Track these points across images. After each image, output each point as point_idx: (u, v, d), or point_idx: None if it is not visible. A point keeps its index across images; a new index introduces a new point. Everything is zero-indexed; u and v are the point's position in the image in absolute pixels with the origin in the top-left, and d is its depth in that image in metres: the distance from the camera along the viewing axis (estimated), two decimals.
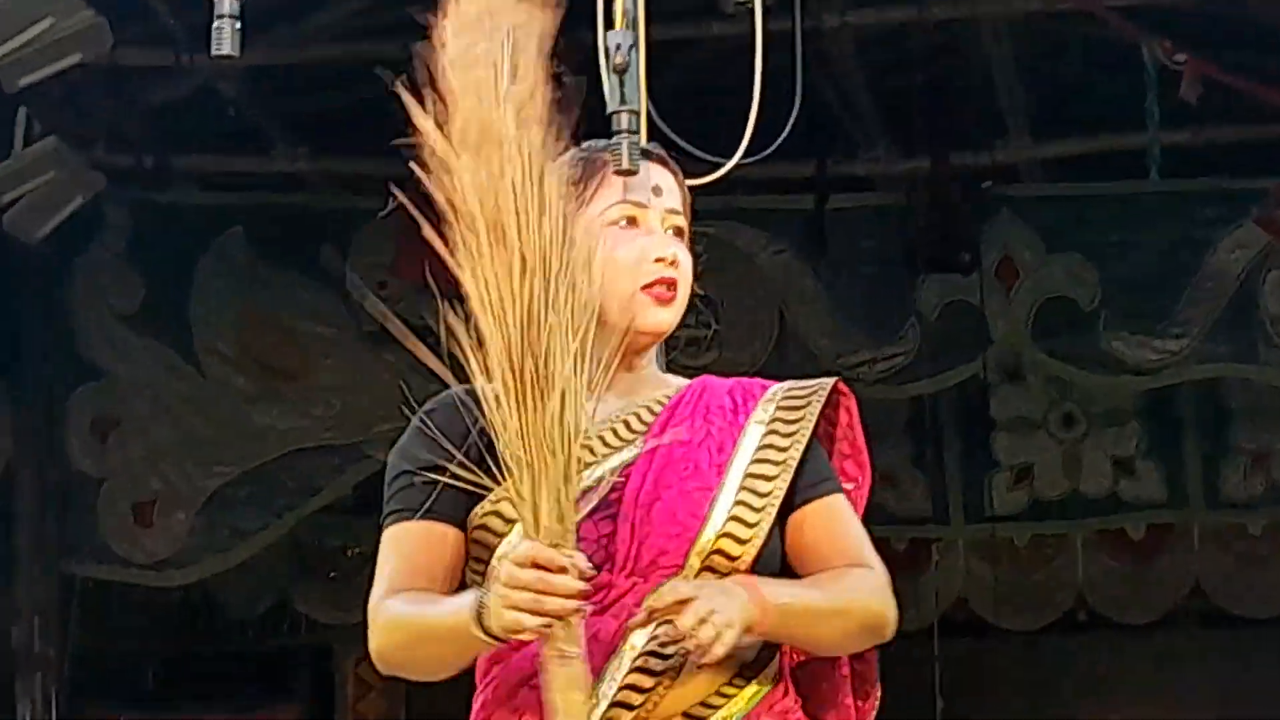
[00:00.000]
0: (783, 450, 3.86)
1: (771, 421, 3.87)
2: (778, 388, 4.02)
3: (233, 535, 13.46)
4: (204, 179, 13.68)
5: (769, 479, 3.80)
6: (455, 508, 3.83)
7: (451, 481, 3.74)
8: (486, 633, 3.50)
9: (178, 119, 12.52)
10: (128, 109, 12.28)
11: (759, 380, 4.09)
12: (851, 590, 3.84)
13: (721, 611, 3.46)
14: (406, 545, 3.92)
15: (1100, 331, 12.98)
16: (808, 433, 3.88)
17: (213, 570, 13.46)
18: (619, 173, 3.97)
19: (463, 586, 3.85)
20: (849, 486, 3.94)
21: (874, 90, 12.23)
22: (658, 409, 3.83)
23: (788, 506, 3.89)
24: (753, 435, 3.85)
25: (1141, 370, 13.24)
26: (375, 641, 3.95)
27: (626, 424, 3.82)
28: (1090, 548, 14.63)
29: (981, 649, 15.17)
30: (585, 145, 4.10)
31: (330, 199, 13.50)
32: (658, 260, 3.79)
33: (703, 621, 3.44)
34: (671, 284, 3.81)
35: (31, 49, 10.48)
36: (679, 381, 4.02)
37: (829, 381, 4.01)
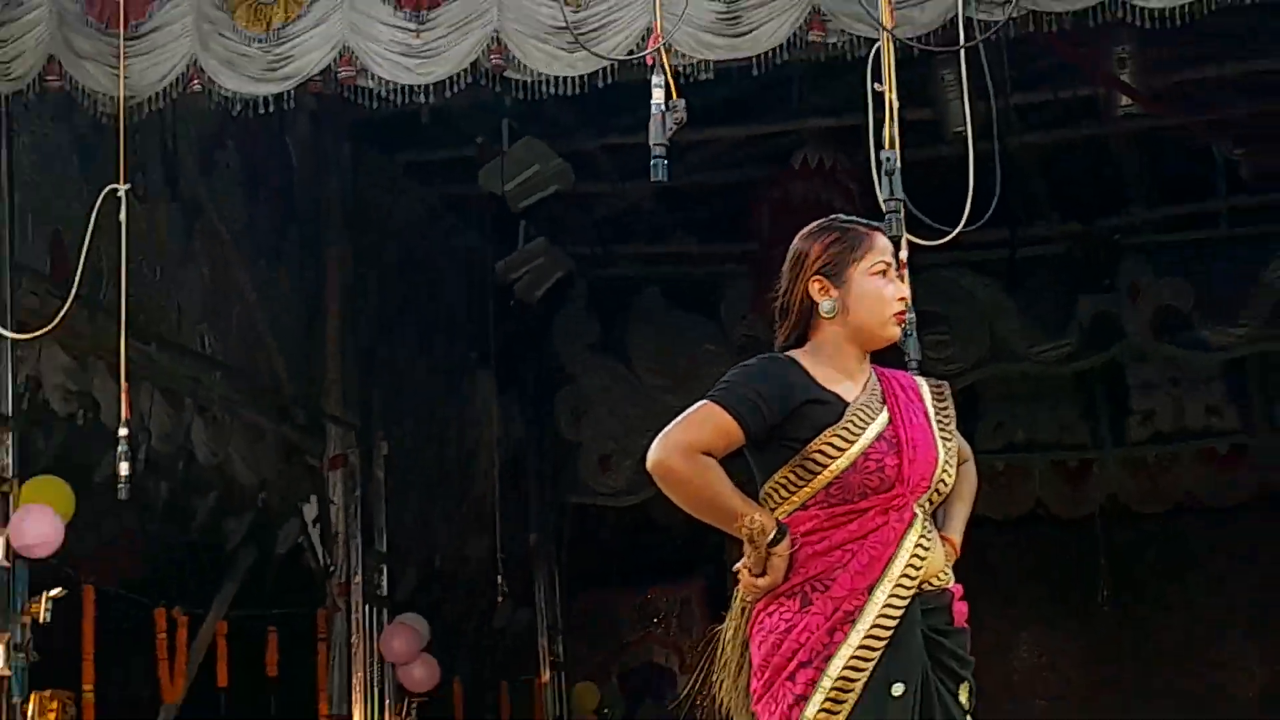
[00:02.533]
0: (947, 424, 4.94)
1: (936, 405, 4.94)
2: (920, 380, 5.16)
3: None
4: (633, 258, 17.21)
5: (949, 440, 4.88)
6: (753, 421, 4.68)
7: (761, 404, 4.68)
8: (748, 538, 4.62)
9: (616, 223, 16.19)
10: (585, 217, 15.68)
11: (901, 370, 5.30)
12: (968, 478, 5.07)
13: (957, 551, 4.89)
14: (715, 421, 4.71)
15: (1195, 326, 16.10)
16: (954, 415, 4.98)
17: (646, 496, 16.04)
18: (893, 239, 5.27)
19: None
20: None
21: (1045, 179, 15.02)
22: (878, 392, 4.82)
23: None
24: (930, 409, 4.91)
25: (1221, 349, 16.22)
26: (672, 463, 4.78)
27: (878, 397, 4.77)
28: (1194, 461, 17.79)
29: (1129, 535, 18.55)
30: (843, 219, 5.04)
31: (711, 265, 17.00)
32: (899, 299, 4.87)
33: (954, 551, 4.89)
34: (903, 316, 4.97)
35: (526, 184, 13.16)
36: (869, 370, 4.94)
37: (946, 383, 5.20)
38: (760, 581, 4.57)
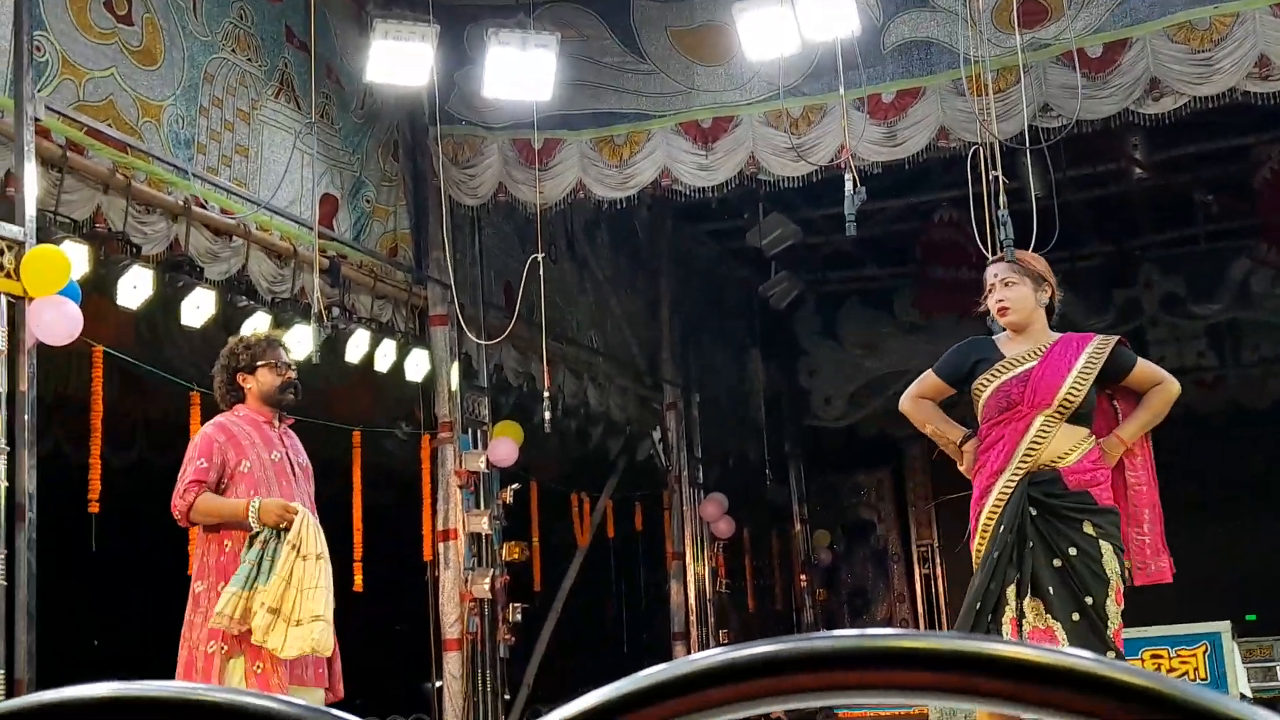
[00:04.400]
0: (1094, 363, 4.41)
1: (1091, 352, 4.44)
2: (1096, 337, 4.62)
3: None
4: (840, 279, 16.23)
5: (1087, 375, 4.38)
6: (952, 376, 4.67)
7: (950, 367, 4.68)
8: (943, 445, 4.63)
9: (829, 259, 15.48)
10: (812, 256, 14.86)
11: (1092, 334, 4.73)
12: (1156, 395, 4.50)
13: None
14: (929, 380, 4.75)
15: (1187, 305, 14.97)
16: (1106, 352, 4.46)
17: (852, 420, 16.56)
18: (994, 260, 5.04)
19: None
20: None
21: (1090, 217, 14.06)
22: (1044, 349, 4.45)
23: (1111, 379, 4.53)
24: (1083, 357, 4.43)
25: (1204, 318, 15.21)
26: (905, 406, 4.85)
27: (1031, 353, 4.42)
28: (1190, 386, 13.69)
29: None
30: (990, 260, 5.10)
31: (887, 281, 16.07)
32: (998, 302, 4.53)
33: (1119, 442, 4.51)
34: (1004, 310, 4.54)
35: (774, 240, 12.89)
36: (1057, 337, 4.58)
37: (1114, 338, 4.66)
38: (962, 466, 4.63)
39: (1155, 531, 4.56)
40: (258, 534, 4.87)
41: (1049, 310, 4.61)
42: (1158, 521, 4.57)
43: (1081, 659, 0.62)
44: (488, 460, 10.22)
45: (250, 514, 4.84)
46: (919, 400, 4.73)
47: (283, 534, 4.85)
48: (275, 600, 4.72)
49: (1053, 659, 0.62)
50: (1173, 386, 4.54)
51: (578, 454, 12.60)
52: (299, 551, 4.83)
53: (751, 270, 15.05)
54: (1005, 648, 0.64)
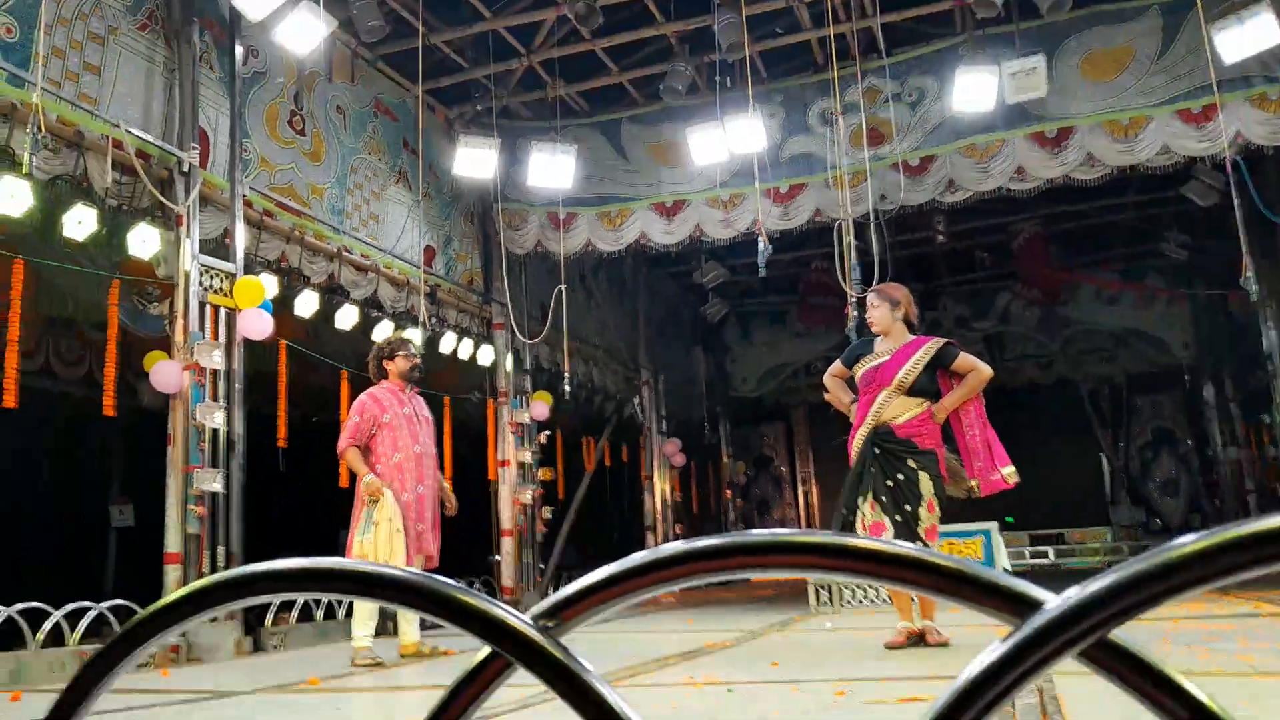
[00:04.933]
0: (919, 359, 4.21)
1: (923, 350, 4.21)
2: (927, 339, 4.29)
3: None
4: (754, 302, 15.83)
5: (916, 365, 4.16)
6: (847, 362, 4.40)
7: (846, 355, 4.40)
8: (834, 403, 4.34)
9: (747, 289, 15.08)
10: (733, 288, 14.39)
11: (930, 338, 4.31)
12: (970, 377, 4.19)
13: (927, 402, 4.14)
14: (837, 365, 4.46)
15: None
16: (934, 350, 4.21)
17: (760, 392, 16.21)
18: (868, 290, 4.47)
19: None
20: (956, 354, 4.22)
21: (909, 264, 13.86)
22: (897, 348, 4.22)
23: (938, 366, 4.22)
24: (918, 353, 4.21)
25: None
26: (826, 380, 4.45)
27: (888, 350, 4.21)
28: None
29: None
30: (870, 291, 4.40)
31: (783, 305, 15.70)
32: (868, 317, 4.31)
33: (941, 409, 4.19)
34: (871, 322, 4.33)
35: (712, 277, 12.74)
36: (912, 339, 4.27)
37: (943, 340, 4.29)
38: (851, 418, 4.34)
39: (989, 459, 4.23)
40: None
41: (907, 322, 4.34)
42: (991, 453, 4.25)
43: (905, 549, 0.59)
44: (529, 416, 10.09)
45: (361, 483, 4.79)
46: (831, 378, 4.49)
47: (377, 504, 4.74)
48: (371, 552, 4.67)
49: (889, 549, 0.59)
50: (983, 372, 4.24)
51: (585, 412, 12.29)
52: (382, 521, 4.74)
53: (696, 297, 14.96)
54: (860, 542, 0.60)
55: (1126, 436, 16.20)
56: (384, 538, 4.68)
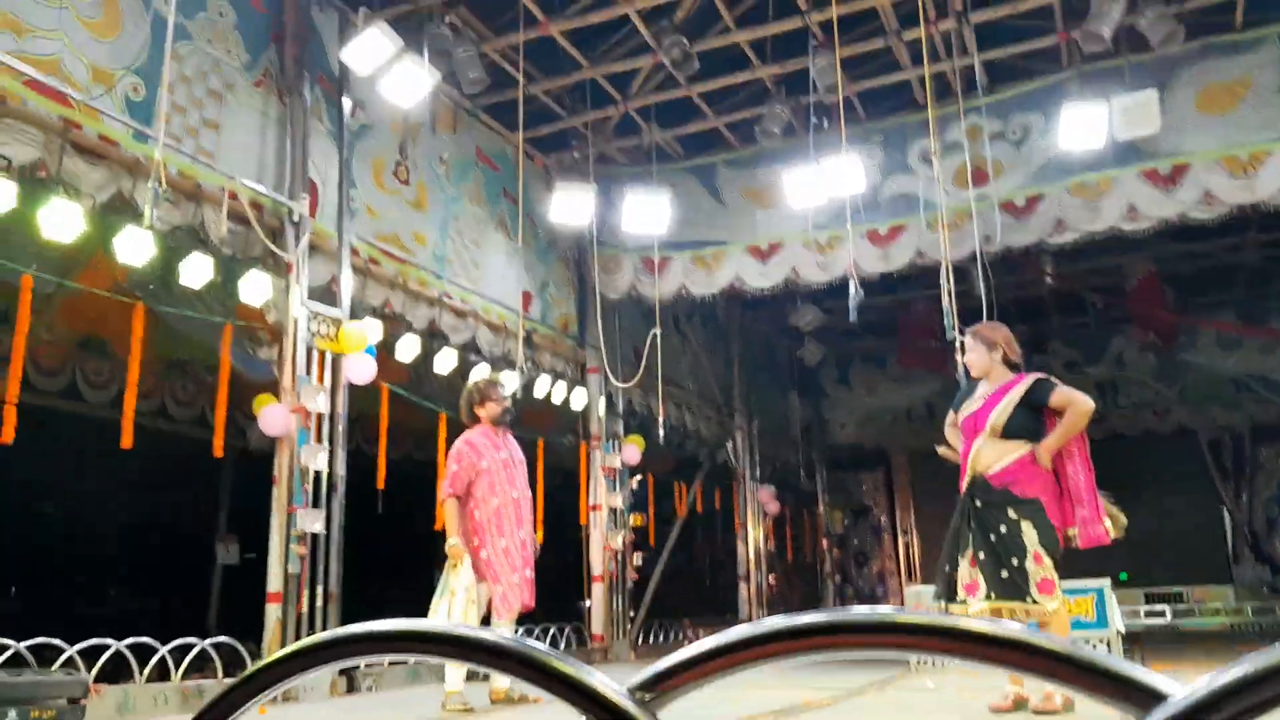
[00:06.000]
0: (1014, 397, 4.04)
1: (1020, 389, 4.04)
2: (1026, 375, 4.14)
3: None
4: (855, 347, 15.46)
5: (1007, 406, 3.99)
6: (955, 409, 4.23)
7: (954, 403, 4.28)
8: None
9: (848, 332, 14.57)
10: (832, 331, 13.59)
11: (1025, 375, 4.15)
12: (1070, 413, 3.93)
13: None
14: (950, 414, 4.33)
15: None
16: (1025, 388, 4.02)
17: (858, 441, 16.02)
18: (966, 332, 4.36)
19: None
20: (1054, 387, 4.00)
21: (1016, 307, 12.77)
22: (994, 390, 4.09)
23: (1038, 405, 3.99)
24: (1010, 394, 4.04)
25: None
26: (946, 431, 4.34)
27: (986, 394, 4.09)
28: None
29: None
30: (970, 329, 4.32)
31: (881, 348, 15.56)
32: (966, 360, 4.25)
33: (1043, 451, 3.93)
34: (969, 365, 4.23)
35: (808, 321, 12.40)
36: (1012, 378, 4.11)
37: (1035, 376, 4.11)
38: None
39: (1092, 507, 4.04)
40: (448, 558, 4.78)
41: (1009, 363, 4.18)
42: (1094, 502, 4.06)
43: (1014, 631, 0.57)
44: (621, 460, 10.09)
45: (448, 543, 4.80)
46: (949, 427, 4.37)
47: (455, 569, 4.74)
48: (434, 611, 4.69)
49: (998, 632, 0.56)
50: (1081, 405, 3.97)
51: (678, 457, 12.25)
52: (459, 590, 4.73)
53: (792, 340, 14.75)
54: (968, 624, 0.57)
55: (1250, 489, 15.43)
56: (459, 609, 4.68)
